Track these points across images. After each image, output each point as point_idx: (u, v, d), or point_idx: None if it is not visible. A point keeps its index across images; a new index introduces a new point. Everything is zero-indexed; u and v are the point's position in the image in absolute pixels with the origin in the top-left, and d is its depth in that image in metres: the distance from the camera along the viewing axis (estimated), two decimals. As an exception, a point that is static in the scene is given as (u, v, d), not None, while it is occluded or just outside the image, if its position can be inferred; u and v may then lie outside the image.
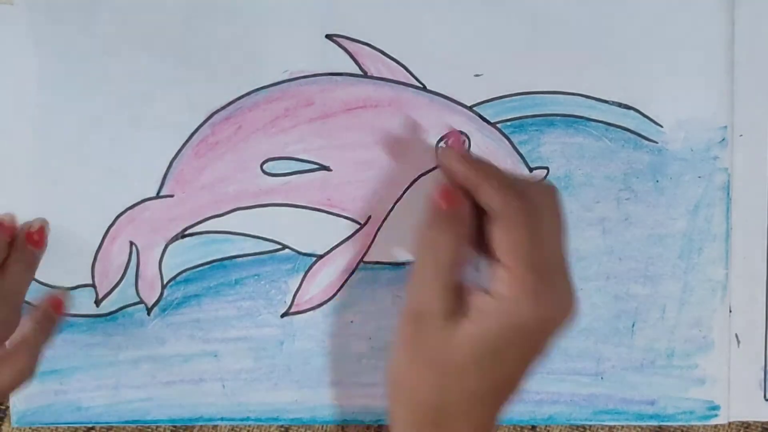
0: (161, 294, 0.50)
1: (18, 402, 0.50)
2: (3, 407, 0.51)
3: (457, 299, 0.40)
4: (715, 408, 0.50)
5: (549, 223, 0.41)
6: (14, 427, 0.51)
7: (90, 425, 0.51)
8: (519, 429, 0.51)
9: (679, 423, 0.51)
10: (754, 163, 0.50)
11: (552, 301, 0.40)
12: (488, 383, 0.41)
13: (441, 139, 0.49)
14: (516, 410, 0.50)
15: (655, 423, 0.51)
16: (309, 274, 0.50)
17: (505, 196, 0.40)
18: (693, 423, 0.50)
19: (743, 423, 0.51)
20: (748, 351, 0.50)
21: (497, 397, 0.41)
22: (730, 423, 0.51)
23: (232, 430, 0.51)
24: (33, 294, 0.50)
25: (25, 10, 0.49)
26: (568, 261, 0.41)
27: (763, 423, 0.51)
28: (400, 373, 0.42)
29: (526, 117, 0.49)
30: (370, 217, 0.50)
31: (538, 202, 0.41)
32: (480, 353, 0.40)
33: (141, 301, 0.50)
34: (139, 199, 0.49)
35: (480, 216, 0.42)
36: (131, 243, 0.50)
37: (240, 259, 0.50)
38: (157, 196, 0.50)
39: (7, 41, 0.49)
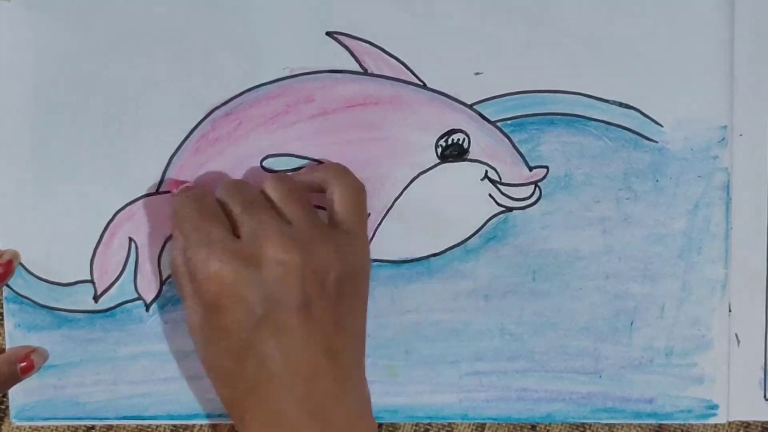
0: (160, 290, 0.50)
1: (17, 396, 0.50)
2: (3, 406, 0.51)
3: None
4: (714, 407, 0.50)
5: None
6: (14, 426, 0.51)
7: (89, 422, 0.51)
8: (519, 428, 0.51)
9: (677, 421, 0.50)
10: (754, 163, 0.50)
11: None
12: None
13: (441, 137, 0.49)
14: (514, 408, 0.50)
15: (653, 421, 0.51)
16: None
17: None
18: (691, 422, 0.50)
19: (743, 423, 0.51)
20: (748, 351, 0.50)
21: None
22: (729, 423, 0.51)
23: (232, 429, 0.51)
24: (32, 289, 0.50)
25: (22, 7, 0.49)
26: None
27: (763, 423, 0.51)
28: None
29: (527, 116, 0.49)
30: (369, 215, 0.50)
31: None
32: None
33: (140, 297, 0.50)
34: (139, 195, 0.50)
35: None
36: (130, 239, 0.50)
37: (239, 255, 0.50)
38: (157, 192, 0.50)
39: (4, 38, 0.49)
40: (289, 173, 0.48)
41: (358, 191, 0.47)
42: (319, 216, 0.46)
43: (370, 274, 0.47)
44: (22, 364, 0.49)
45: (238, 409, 0.44)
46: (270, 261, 0.42)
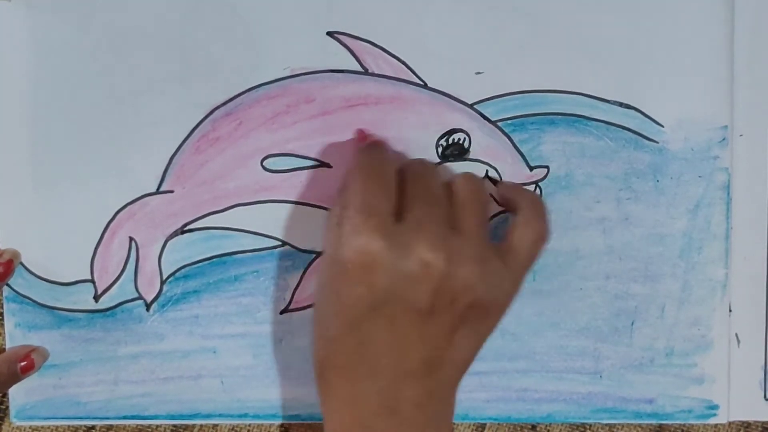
0: (160, 290, 0.50)
1: (17, 396, 0.50)
2: (3, 407, 0.51)
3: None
4: (714, 407, 0.50)
5: None
6: (14, 426, 0.51)
7: (89, 422, 0.51)
8: (519, 428, 0.51)
9: (678, 422, 0.51)
10: (754, 163, 0.50)
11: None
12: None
13: (442, 137, 0.49)
14: (514, 408, 0.50)
15: (653, 422, 0.51)
16: (309, 271, 0.50)
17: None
18: (691, 422, 0.50)
19: (743, 423, 0.51)
20: (748, 351, 0.50)
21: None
22: (730, 423, 0.51)
23: (233, 429, 0.51)
24: (32, 289, 0.50)
25: (22, 7, 0.49)
26: None
27: (763, 423, 0.51)
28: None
29: (527, 115, 0.49)
30: (374, 216, 0.50)
31: None
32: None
33: (140, 297, 0.50)
34: (139, 195, 0.50)
35: None
36: (131, 238, 0.50)
37: (239, 255, 0.50)
38: (157, 192, 0.50)
39: (4, 38, 0.49)
40: (484, 179, 0.47)
41: (545, 238, 0.45)
42: (488, 231, 0.45)
43: (503, 316, 0.45)
44: (22, 364, 0.49)
45: (323, 374, 0.44)
46: (415, 257, 0.41)
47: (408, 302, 0.41)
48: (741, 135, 0.49)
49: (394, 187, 0.44)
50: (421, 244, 0.41)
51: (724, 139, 0.49)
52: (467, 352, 0.44)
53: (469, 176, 0.46)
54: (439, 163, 0.49)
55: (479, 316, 0.43)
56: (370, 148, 0.48)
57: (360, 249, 0.41)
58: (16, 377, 0.49)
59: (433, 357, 0.42)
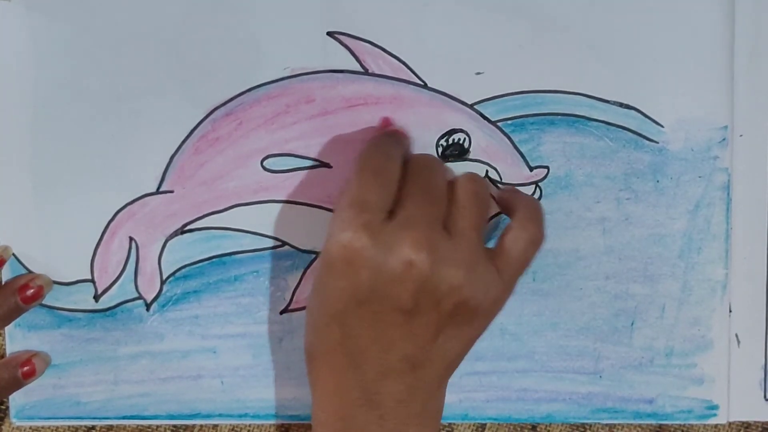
0: (160, 290, 0.50)
1: (16, 396, 0.50)
2: (3, 407, 0.51)
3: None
4: (714, 408, 0.50)
5: None
6: (14, 427, 0.51)
7: (89, 422, 0.51)
8: (519, 428, 0.51)
9: (677, 422, 0.51)
10: (754, 163, 0.50)
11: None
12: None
13: (442, 137, 0.49)
14: (513, 408, 0.50)
15: (653, 422, 0.51)
16: (309, 271, 0.50)
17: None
18: (691, 422, 0.50)
19: (743, 423, 0.51)
20: (748, 351, 0.50)
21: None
22: (730, 423, 0.51)
23: (233, 429, 0.51)
24: (32, 289, 0.50)
25: (22, 7, 0.49)
26: None
27: (763, 423, 0.51)
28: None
29: (527, 116, 0.49)
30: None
31: None
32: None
33: (140, 297, 0.50)
34: (139, 195, 0.50)
35: None
36: (131, 238, 0.50)
37: (239, 255, 0.50)
38: (157, 192, 0.50)
39: (4, 38, 0.49)
40: (486, 180, 0.47)
41: (538, 242, 0.45)
42: (483, 234, 0.44)
43: (493, 319, 0.45)
44: (24, 369, 0.49)
45: (310, 362, 0.44)
46: (399, 256, 0.41)
47: (391, 301, 0.42)
48: (741, 135, 0.49)
49: (394, 182, 0.44)
50: (405, 243, 0.41)
51: (724, 139, 0.49)
52: (453, 352, 0.44)
53: (472, 177, 0.46)
54: None
55: (466, 318, 0.43)
56: (376, 141, 0.47)
57: (345, 244, 0.41)
58: (17, 383, 0.49)
59: (416, 355, 0.43)
